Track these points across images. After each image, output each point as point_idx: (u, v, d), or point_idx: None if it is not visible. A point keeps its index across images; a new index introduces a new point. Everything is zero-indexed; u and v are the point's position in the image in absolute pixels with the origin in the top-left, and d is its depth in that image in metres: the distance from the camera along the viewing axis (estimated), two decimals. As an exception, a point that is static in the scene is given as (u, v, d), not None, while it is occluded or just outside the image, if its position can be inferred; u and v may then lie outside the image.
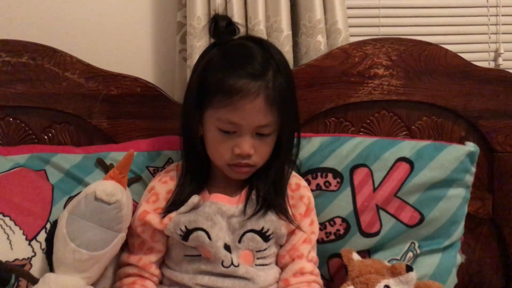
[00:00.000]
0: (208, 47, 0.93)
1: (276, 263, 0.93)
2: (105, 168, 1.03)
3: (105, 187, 0.86)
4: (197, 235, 0.86)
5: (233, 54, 0.87)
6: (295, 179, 0.96)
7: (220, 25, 0.88)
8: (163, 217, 0.88)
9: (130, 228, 0.90)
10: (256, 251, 0.89)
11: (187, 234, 0.86)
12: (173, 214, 0.88)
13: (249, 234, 0.87)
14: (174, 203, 0.89)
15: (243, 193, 0.91)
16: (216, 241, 0.85)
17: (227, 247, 0.86)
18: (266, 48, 0.88)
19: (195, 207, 0.88)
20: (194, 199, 0.88)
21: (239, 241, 0.87)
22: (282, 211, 0.90)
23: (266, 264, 0.90)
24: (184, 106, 0.93)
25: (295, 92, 0.92)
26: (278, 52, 0.90)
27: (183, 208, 0.88)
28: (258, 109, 0.83)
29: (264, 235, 0.88)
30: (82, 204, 0.85)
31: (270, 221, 0.88)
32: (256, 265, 0.89)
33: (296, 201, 0.93)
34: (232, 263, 0.85)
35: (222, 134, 0.86)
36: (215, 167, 0.94)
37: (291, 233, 0.92)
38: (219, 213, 0.87)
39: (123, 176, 0.89)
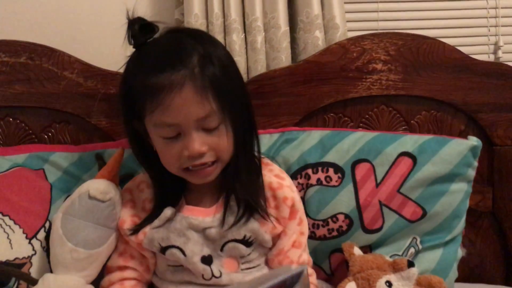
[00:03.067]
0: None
1: (266, 263, 0.88)
2: (103, 163, 1.02)
3: (98, 185, 0.86)
4: (171, 252, 0.82)
5: (149, 52, 0.79)
6: (276, 178, 0.87)
7: (133, 28, 0.80)
8: (133, 233, 0.84)
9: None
10: (240, 257, 0.84)
11: (162, 250, 0.83)
12: (147, 229, 0.83)
13: (230, 244, 0.82)
14: (149, 217, 0.84)
15: (221, 201, 0.84)
16: (191, 257, 0.81)
17: (206, 259, 0.82)
18: (192, 36, 0.79)
19: (169, 219, 0.83)
20: (167, 212, 0.82)
21: (221, 250, 0.83)
22: (265, 212, 0.83)
23: (253, 267, 0.86)
24: (124, 123, 0.85)
25: (241, 82, 0.84)
26: (210, 40, 0.83)
27: (156, 222, 0.83)
28: (190, 100, 0.73)
29: (246, 242, 0.83)
30: (76, 204, 0.85)
31: (252, 230, 0.82)
32: (242, 269, 0.84)
33: (279, 203, 0.85)
34: (213, 275, 0.81)
35: (167, 141, 0.77)
36: None
37: (277, 237, 0.86)
38: (190, 227, 0.82)
39: (114, 174, 0.90)
